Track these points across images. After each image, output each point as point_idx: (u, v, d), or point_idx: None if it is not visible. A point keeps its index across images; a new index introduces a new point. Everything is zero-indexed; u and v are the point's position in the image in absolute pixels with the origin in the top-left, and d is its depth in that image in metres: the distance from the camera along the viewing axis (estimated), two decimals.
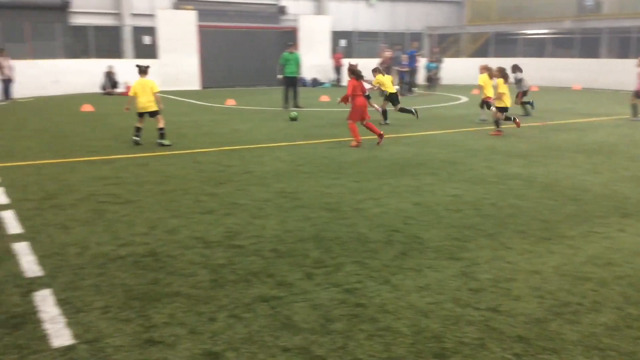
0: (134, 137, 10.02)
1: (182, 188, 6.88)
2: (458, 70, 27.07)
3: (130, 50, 24.87)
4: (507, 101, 11.59)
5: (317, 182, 7.25)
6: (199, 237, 5.06)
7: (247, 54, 25.30)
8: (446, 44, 32.83)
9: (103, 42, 24.52)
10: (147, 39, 24.70)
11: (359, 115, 10.12)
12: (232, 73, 25.12)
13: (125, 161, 8.56)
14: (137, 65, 10.34)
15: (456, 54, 32.34)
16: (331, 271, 4.31)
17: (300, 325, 3.46)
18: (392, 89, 13.03)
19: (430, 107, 12.23)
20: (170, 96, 19.59)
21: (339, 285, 4.06)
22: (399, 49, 23.69)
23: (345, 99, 10.27)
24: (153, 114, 10.03)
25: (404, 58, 21.79)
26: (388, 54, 21.54)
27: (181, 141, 10.43)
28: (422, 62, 23.84)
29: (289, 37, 24.29)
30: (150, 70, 10.38)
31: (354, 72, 10.23)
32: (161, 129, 10.02)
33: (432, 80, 23.33)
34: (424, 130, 11.39)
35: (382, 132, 10.22)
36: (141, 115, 10.06)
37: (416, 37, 30.74)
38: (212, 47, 24.56)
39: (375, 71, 13.19)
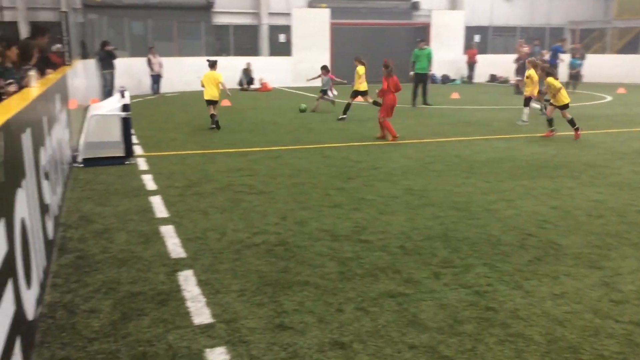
0: (211, 126, 11.33)
1: (311, 181, 7.07)
2: (603, 67, 25.17)
3: (266, 48, 25.91)
4: (564, 98, 10.50)
5: (446, 181, 7.11)
6: (327, 230, 5.17)
7: (377, 50, 25.30)
8: (589, 40, 30.63)
9: (242, 40, 25.76)
10: (282, 37, 25.60)
11: (390, 112, 10.22)
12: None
13: (259, 154, 8.95)
14: (207, 60, 11.83)
15: (600, 50, 30.06)
16: (460, 272, 4.22)
17: (428, 323, 3.42)
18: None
19: (572, 105, 11.53)
20: (301, 92, 20.18)
21: (468, 286, 3.96)
22: (537, 44, 22.51)
23: (382, 93, 10.32)
24: (213, 102, 11.31)
25: (544, 54, 20.66)
26: (525, 49, 20.55)
27: (310, 136, 10.71)
28: (564, 59, 22.46)
29: (421, 33, 24.00)
30: (218, 64, 11.68)
31: (387, 67, 10.17)
32: (214, 115, 11.33)
33: (576, 77, 21.90)
34: (563, 131, 10.73)
35: (396, 135, 10.20)
36: (209, 103, 11.36)
37: (556, 32, 29.03)
38: (343, 44, 24.89)
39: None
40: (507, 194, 6.49)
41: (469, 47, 26.51)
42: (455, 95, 18.76)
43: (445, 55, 25.53)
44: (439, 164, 8.20)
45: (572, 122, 10.42)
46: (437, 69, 24.28)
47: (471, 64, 25.80)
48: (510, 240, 4.92)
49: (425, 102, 16.14)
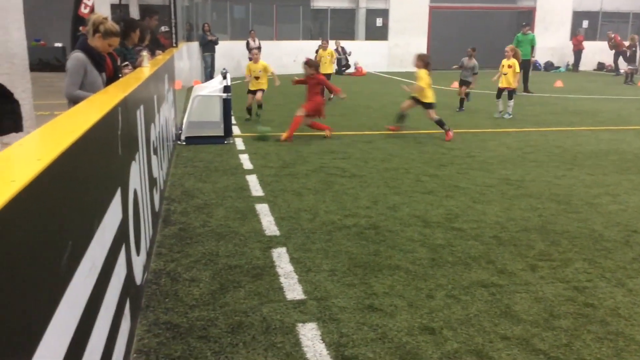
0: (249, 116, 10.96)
1: (404, 167, 7.04)
2: None
3: (362, 32, 25.83)
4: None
5: (546, 172, 6.84)
6: (418, 216, 5.15)
7: (477, 35, 24.57)
8: None
9: (338, 24, 25.81)
10: (378, 21, 25.40)
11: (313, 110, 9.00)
12: (460, 55, 24.60)
13: (353, 137, 9.00)
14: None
15: None
16: (558, 266, 4.08)
17: (521, 316, 3.34)
18: None
19: None
20: (395, 77, 19.98)
21: (567, 281, 3.82)
22: None
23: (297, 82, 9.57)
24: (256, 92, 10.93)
25: None
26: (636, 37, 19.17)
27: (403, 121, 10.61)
28: None
29: (525, 18, 22.99)
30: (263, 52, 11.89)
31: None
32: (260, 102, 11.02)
33: None
34: None
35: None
36: (250, 92, 11.00)
37: None
38: (442, 28, 24.37)
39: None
40: (612, 188, 6.15)
41: (576, 33, 25.11)
42: (559, 84, 17.87)
43: (550, 41, 24.34)
44: (539, 154, 7.89)
45: None
46: (540, 56, 23.23)
47: (577, 52, 24.44)
48: (614, 236, 4.68)
49: (526, 90, 15.51)
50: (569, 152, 7.98)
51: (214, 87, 9.27)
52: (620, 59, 21.49)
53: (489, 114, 11.63)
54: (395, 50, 23.38)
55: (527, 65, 15.48)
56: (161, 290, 3.62)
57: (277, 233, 4.69)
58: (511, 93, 11.26)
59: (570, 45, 24.80)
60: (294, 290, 3.64)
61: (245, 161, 7.27)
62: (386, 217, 5.13)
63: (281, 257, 4.17)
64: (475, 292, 3.64)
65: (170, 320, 3.25)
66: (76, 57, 4.55)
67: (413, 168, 6.97)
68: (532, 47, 15.54)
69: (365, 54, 23.53)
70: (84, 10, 8.44)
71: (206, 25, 18.42)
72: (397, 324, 3.23)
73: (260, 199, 5.62)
